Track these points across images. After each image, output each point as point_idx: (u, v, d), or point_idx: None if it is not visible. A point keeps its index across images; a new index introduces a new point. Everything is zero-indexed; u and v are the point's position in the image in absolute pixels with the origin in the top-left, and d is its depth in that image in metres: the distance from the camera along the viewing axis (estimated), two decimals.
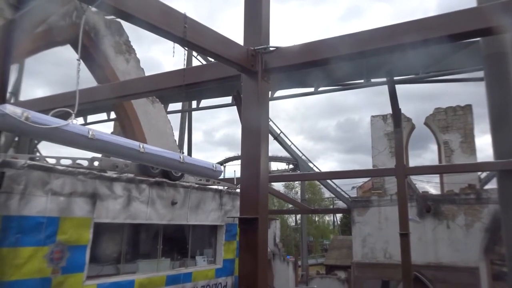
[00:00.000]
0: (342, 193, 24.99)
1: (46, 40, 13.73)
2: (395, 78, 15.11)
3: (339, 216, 47.28)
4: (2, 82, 6.13)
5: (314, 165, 26.79)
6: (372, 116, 23.60)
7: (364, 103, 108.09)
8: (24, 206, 5.56)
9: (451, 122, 21.70)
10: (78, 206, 6.21)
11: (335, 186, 24.64)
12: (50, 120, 3.70)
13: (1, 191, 5.57)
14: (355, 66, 17.55)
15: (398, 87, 12.89)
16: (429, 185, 23.44)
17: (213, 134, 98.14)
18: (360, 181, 31.72)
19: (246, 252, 4.21)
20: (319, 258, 38.57)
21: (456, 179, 19.25)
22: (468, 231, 17.37)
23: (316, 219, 50.85)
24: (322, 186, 32.00)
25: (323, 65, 4.24)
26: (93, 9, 12.98)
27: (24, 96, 16.83)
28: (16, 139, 15.48)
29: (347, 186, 31.68)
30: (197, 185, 8.72)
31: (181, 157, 5.23)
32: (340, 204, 30.26)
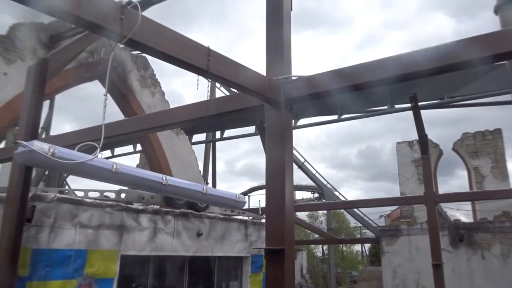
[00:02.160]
0: (370, 222, 24.39)
1: (76, 77, 14.30)
2: (420, 103, 14.94)
3: (367, 246, 45.95)
4: (35, 118, 6.35)
5: (340, 194, 26.38)
6: (398, 143, 23.23)
7: (385, 130, 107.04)
8: (54, 239, 5.64)
9: (481, 147, 21.09)
10: (106, 239, 6.26)
11: (362, 215, 24.10)
12: (76, 155, 3.80)
13: (32, 224, 5.69)
14: (379, 92, 17.49)
15: (422, 112, 12.70)
16: (460, 213, 22.63)
17: (235, 164, 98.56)
18: (387, 209, 30.94)
19: (273, 284, 4.11)
20: None
21: (488, 206, 18.53)
22: (505, 261, 16.53)
23: (344, 249, 49.58)
24: (348, 215, 31.35)
25: (345, 93, 4.23)
26: (121, 45, 13.46)
27: (54, 130, 17.40)
28: (46, 173, 15.91)
29: (375, 215, 30.98)
30: (222, 216, 8.68)
31: (204, 189, 5.24)
32: (368, 233, 29.47)
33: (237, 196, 5.97)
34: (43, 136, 14.01)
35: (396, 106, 19.30)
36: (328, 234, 25.09)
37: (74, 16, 2.64)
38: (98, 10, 2.77)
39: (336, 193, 25.87)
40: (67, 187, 20.09)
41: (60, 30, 13.37)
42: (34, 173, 7.45)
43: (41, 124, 10.51)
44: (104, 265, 6.15)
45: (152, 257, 7.18)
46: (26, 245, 5.64)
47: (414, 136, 17.39)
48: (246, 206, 8.99)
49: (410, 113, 12.87)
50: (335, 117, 21.89)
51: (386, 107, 19.72)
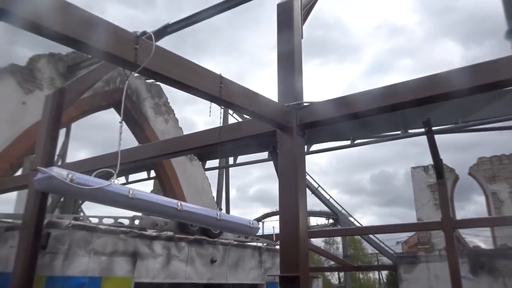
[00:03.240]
0: (386, 248, 23.87)
1: (92, 105, 14.63)
2: (434, 128, 14.83)
3: (384, 273, 44.85)
4: (51, 145, 6.48)
5: (355, 219, 26.00)
6: (412, 168, 22.96)
7: (397, 155, 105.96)
8: (68, 267, 5.64)
9: (498, 171, 20.72)
10: (119, 266, 6.23)
11: (378, 241, 23.62)
12: (93, 181, 3.85)
13: (46, 251, 5.72)
14: (391, 117, 17.43)
15: (436, 137, 12.57)
16: (479, 239, 22.01)
17: (247, 190, 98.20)
18: (404, 235, 30.25)
19: None
20: None
21: (509, 232, 18.02)
22: None
23: (361, 276, 48.39)
24: (364, 241, 30.74)
25: (357, 118, 4.24)
26: (135, 74, 13.83)
27: (69, 158, 17.66)
28: (62, 199, 16.07)
29: (391, 241, 30.24)
30: (236, 242, 8.60)
31: (218, 214, 5.23)
32: (385, 260, 28.79)
33: (251, 222, 5.93)
34: (59, 163, 14.23)
35: (410, 131, 19.18)
36: (344, 261, 24.58)
37: (90, 46, 2.73)
38: (113, 41, 2.87)
39: (351, 219, 25.52)
40: (82, 213, 20.19)
41: (77, 60, 13.79)
42: (49, 200, 7.56)
43: (57, 152, 10.73)
44: None
45: (166, 284, 7.10)
46: (41, 273, 5.65)
47: (427, 161, 17.24)
48: (260, 232, 8.89)
49: (423, 138, 12.78)
50: (347, 142, 21.82)
51: (399, 132, 19.60)
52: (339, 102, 4.14)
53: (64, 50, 13.95)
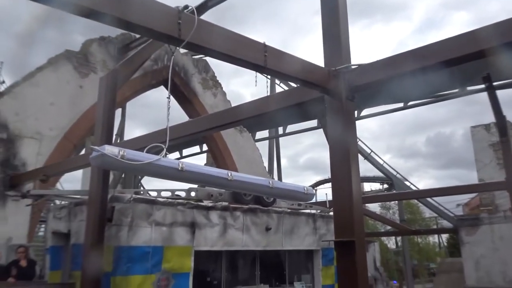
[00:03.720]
0: (446, 211, 23.15)
1: (143, 84, 15.08)
2: (494, 83, 13.87)
3: (444, 236, 43.63)
4: (108, 125, 6.81)
5: (411, 183, 25.33)
6: (472, 127, 21.75)
7: (454, 115, 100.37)
8: (132, 237, 6.01)
9: None
10: (179, 236, 6.55)
11: (436, 205, 22.94)
12: (144, 156, 4.03)
13: (112, 224, 6.12)
14: (448, 75, 16.48)
15: (498, 93, 11.77)
16: None
17: (297, 159, 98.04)
18: (465, 197, 29.10)
19: (345, 277, 4.06)
20: (426, 283, 35.73)
21: None
22: None
23: (419, 240, 47.49)
24: (421, 205, 29.98)
25: (409, 78, 4.04)
26: (182, 50, 14.04)
27: (127, 136, 18.47)
28: (123, 176, 16.97)
29: (450, 204, 29.22)
30: (289, 210, 8.71)
31: (270, 182, 5.29)
32: (445, 223, 27.99)
33: (305, 189, 5.94)
34: (118, 142, 14.93)
35: (468, 88, 18.09)
36: (401, 225, 24.16)
37: (135, 25, 2.79)
38: (157, 17, 2.91)
39: (406, 183, 24.89)
40: (141, 188, 21.22)
41: (126, 41, 14.17)
42: (111, 176, 8.01)
43: (115, 131, 11.27)
44: (180, 260, 6.44)
45: (224, 252, 7.39)
46: (108, 243, 6.08)
47: (488, 119, 16.22)
48: (313, 200, 8.89)
49: (483, 95, 12.01)
50: (400, 104, 21.03)
51: (456, 90, 18.56)
52: (390, 62, 3.96)
53: (113, 32, 14.39)
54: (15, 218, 10.73)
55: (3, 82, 25.00)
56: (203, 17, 3.55)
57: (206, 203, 7.29)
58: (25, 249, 8.17)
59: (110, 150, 3.82)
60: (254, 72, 3.80)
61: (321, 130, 22.73)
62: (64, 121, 12.35)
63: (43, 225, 13.62)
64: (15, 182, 10.82)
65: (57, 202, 11.08)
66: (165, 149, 4.04)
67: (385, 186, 30.14)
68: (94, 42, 13.59)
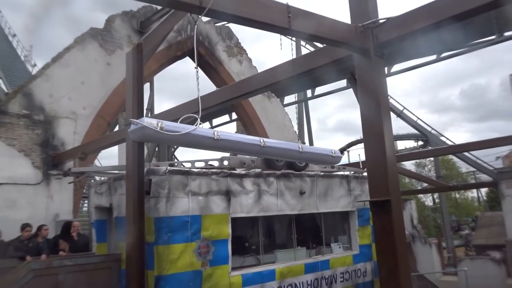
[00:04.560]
0: (484, 165, 22.51)
1: (168, 57, 15.11)
2: None
3: (484, 191, 42.68)
4: (139, 100, 6.90)
5: (447, 138, 24.65)
6: (511, 75, 20.75)
7: (489, 65, 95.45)
8: (171, 208, 6.20)
9: None
10: (215, 204, 6.70)
11: (474, 159, 22.32)
12: (181, 127, 4.07)
13: (150, 196, 6.31)
14: (484, 21, 15.57)
15: None
16: None
17: (326, 121, 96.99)
18: (504, 149, 28.10)
19: (382, 235, 4.07)
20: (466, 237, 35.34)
21: None
22: None
23: (457, 196, 46.71)
24: (458, 161, 29.27)
25: (443, 27, 3.83)
26: (204, 19, 13.87)
27: (157, 110, 18.75)
28: (156, 148, 17.34)
29: (489, 157, 28.33)
30: (322, 173, 8.70)
31: (300, 147, 5.28)
32: (483, 177, 27.28)
33: (333, 151, 5.92)
34: (149, 115, 15.19)
35: (506, 33, 17.10)
36: (438, 181, 23.76)
37: None
38: None
39: (442, 138, 24.24)
40: (175, 160, 21.70)
41: (148, 14, 14.13)
42: (146, 150, 8.20)
43: (145, 106, 11.44)
44: (218, 228, 6.61)
45: (260, 217, 7.51)
46: (149, 215, 6.30)
47: None
48: (346, 161, 8.86)
49: None
50: (433, 57, 20.19)
51: (493, 36, 17.58)
52: (419, 13, 3.76)
53: (135, 6, 14.36)
54: (60, 196, 11.26)
55: (35, 65, 25.71)
56: None
57: (239, 171, 7.38)
58: (78, 224, 8.66)
59: (149, 122, 3.89)
60: (277, 35, 3.70)
61: (350, 90, 22.27)
62: (96, 99, 12.63)
63: (86, 201, 14.24)
64: (56, 162, 11.29)
65: (97, 178, 11.53)
66: (199, 119, 4.07)
67: (420, 143, 29.45)
68: (117, 17, 13.63)
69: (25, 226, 7.96)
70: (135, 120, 4.00)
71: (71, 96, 12.04)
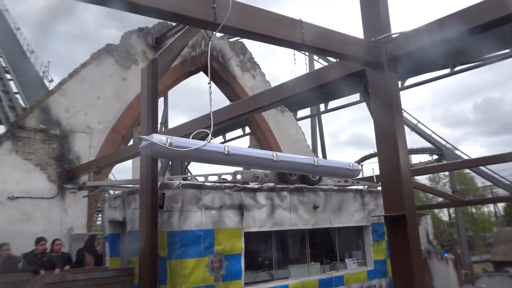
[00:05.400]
0: (501, 179, 22.10)
1: (183, 72, 15.31)
2: None
3: (501, 205, 41.81)
4: (153, 114, 6.98)
5: (462, 152, 24.33)
6: None
7: (503, 78, 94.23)
8: (184, 222, 6.20)
9: None
10: (229, 218, 6.68)
11: (490, 173, 21.94)
12: (190, 143, 4.11)
13: (164, 210, 6.33)
14: (498, 34, 15.47)
15: None
16: None
17: (339, 135, 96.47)
18: None
19: (398, 251, 4.00)
20: (483, 255, 34.53)
21: None
22: None
23: (473, 211, 45.80)
24: (474, 175, 28.77)
25: (456, 41, 3.82)
26: (218, 34, 14.07)
27: (171, 124, 18.90)
28: (170, 162, 17.45)
29: (506, 171, 27.80)
30: (336, 187, 8.64)
31: (316, 160, 5.25)
32: (500, 192, 26.75)
33: (351, 165, 5.83)
34: (163, 130, 15.34)
35: None
36: (453, 196, 23.35)
37: (171, 13, 2.81)
38: (191, 3, 2.91)
39: (457, 152, 23.92)
40: (189, 174, 21.76)
41: (163, 30, 14.38)
42: (159, 164, 8.27)
43: (159, 120, 11.56)
44: (231, 242, 6.59)
45: (273, 232, 7.47)
46: (162, 229, 6.31)
47: None
48: (360, 175, 8.72)
49: None
50: (446, 71, 20.06)
51: (507, 50, 17.43)
52: (433, 27, 3.75)
53: (150, 23, 14.64)
54: (74, 209, 11.38)
55: (52, 80, 26.24)
56: None
57: (252, 185, 7.37)
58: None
59: (158, 138, 3.93)
60: (290, 50, 3.73)
61: (362, 104, 22.21)
62: (111, 113, 12.82)
63: (100, 215, 14.35)
64: (71, 176, 11.43)
65: (111, 192, 11.63)
66: (210, 134, 4.10)
67: (435, 157, 29.09)
68: (133, 34, 13.90)
69: (39, 240, 8.04)
70: (145, 136, 4.05)
71: (87, 110, 12.25)
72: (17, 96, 20.68)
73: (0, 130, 17.19)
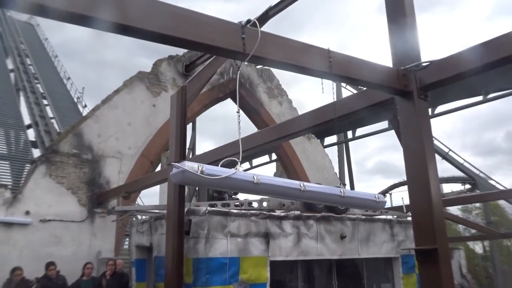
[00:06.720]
0: None
1: (211, 98, 15.58)
2: None
3: None
4: (181, 140, 7.10)
5: (496, 182, 23.43)
6: None
7: None
8: (210, 249, 6.18)
9: None
10: (254, 246, 6.61)
11: None
12: (220, 170, 4.12)
13: (190, 236, 6.34)
14: None
15: None
16: None
17: (365, 163, 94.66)
18: None
19: (429, 286, 3.83)
20: None
21: None
22: None
23: (509, 244, 43.65)
24: (507, 206, 27.53)
25: (488, 70, 3.75)
26: (246, 63, 14.22)
27: (198, 150, 19.12)
28: (197, 188, 17.54)
29: None
30: (364, 217, 8.45)
31: (342, 192, 5.17)
32: None
33: (377, 196, 5.73)
34: (190, 156, 15.51)
35: None
36: (488, 228, 22.38)
37: (202, 44, 2.89)
38: (222, 34, 2.99)
39: (491, 181, 23.06)
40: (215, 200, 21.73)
41: (193, 58, 14.76)
42: (186, 190, 8.33)
43: (187, 145, 11.72)
44: (256, 271, 6.49)
45: (299, 261, 7.33)
46: (188, 255, 6.30)
47: None
48: (388, 205, 8.54)
49: None
50: (479, 98, 19.62)
51: None
52: (465, 56, 3.70)
53: (180, 51, 15.07)
54: (103, 233, 11.52)
55: (86, 106, 27.19)
56: (264, 27, 3.59)
57: (278, 212, 7.31)
58: (114, 262, 8.68)
59: (190, 166, 3.96)
60: (314, 78, 3.74)
61: (389, 131, 21.88)
62: (141, 139, 13.10)
63: (127, 239, 14.47)
64: (101, 200, 11.64)
65: (139, 216, 11.75)
66: (239, 163, 4.10)
67: (467, 186, 28.10)
68: (163, 61, 14.33)
69: (49, 265, 8.16)
70: (176, 164, 4.08)
71: (118, 136, 12.56)
72: (53, 121, 21.50)
73: (35, 153, 17.80)
